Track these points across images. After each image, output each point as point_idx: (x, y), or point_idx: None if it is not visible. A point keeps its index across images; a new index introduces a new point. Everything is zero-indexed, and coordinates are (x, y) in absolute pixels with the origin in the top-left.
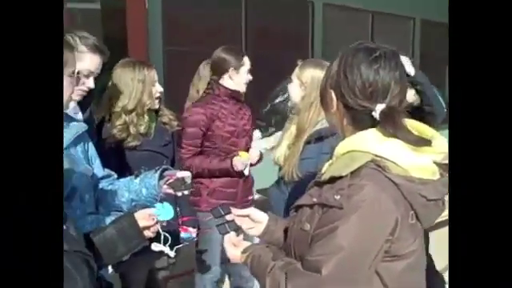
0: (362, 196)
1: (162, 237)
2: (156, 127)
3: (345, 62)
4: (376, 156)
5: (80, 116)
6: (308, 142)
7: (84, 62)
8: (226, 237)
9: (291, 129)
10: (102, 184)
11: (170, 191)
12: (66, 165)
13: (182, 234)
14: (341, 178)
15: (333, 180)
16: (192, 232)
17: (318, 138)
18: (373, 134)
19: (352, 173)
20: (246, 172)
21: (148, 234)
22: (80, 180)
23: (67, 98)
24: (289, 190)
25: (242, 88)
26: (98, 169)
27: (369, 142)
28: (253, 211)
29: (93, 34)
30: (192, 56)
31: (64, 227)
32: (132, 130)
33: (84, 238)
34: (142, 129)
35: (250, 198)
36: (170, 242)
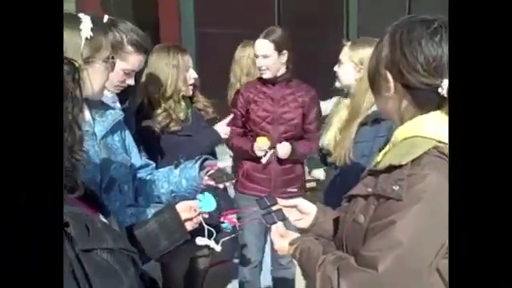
0: (423, 186)
1: (206, 230)
2: (193, 112)
3: (400, 38)
4: (440, 142)
5: (118, 105)
6: (363, 124)
7: (128, 62)
8: (273, 227)
9: (341, 112)
10: (141, 174)
11: (212, 183)
12: (103, 154)
13: (225, 225)
14: (400, 166)
15: (390, 169)
16: (236, 223)
17: (375, 119)
18: (436, 117)
19: (413, 161)
20: (264, 160)
21: (190, 226)
22: (118, 170)
23: (101, 84)
24: (340, 177)
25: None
26: (136, 158)
27: (431, 127)
28: (300, 202)
29: (126, 19)
30: (224, 38)
31: (106, 222)
32: (173, 115)
33: (127, 232)
34: (182, 115)
35: (294, 189)
36: (214, 235)
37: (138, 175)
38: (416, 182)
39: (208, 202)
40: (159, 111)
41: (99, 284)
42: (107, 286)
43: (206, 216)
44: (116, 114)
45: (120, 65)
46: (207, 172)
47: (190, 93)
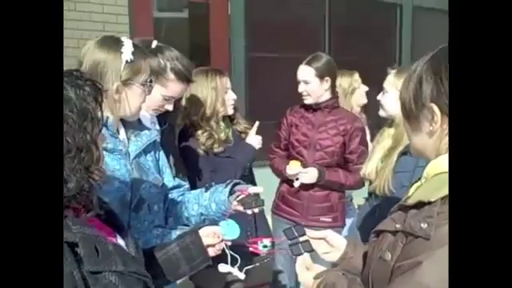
0: None
1: (229, 257)
2: (233, 135)
3: (446, 68)
4: None
5: (157, 127)
6: (404, 154)
7: (169, 89)
8: (299, 259)
9: (384, 142)
10: (173, 195)
11: (240, 208)
12: (135, 174)
13: (263, 244)
14: (430, 203)
15: (420, 205)
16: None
17: None
18: None
19: (443, 198)
20: (296, 184)
21: (213, 252)
22: (148, 190)
23: (138, 105)
24: (378, 208)
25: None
26: (169, 179)
27: None
28: (329, 234)
29: (178, 42)
30: (274, 62)
31: (121, 243)
32: (215, 136)
33: (148, 254)
34: (222, 135)
35: (328, 219)
36: (239, 262)
37: (170, 196)
38: (445, 221)
39: (231, 230)
40: (201, 132)
41: None
42: None
43: (229, 243)
44: (151, 134)
45: (160, 90)
46: (237, 197)
47: (230, 112)
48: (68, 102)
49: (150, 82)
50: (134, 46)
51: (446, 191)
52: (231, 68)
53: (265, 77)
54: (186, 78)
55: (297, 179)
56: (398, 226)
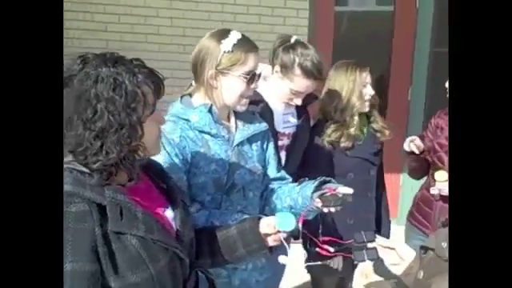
0: None
1: (288, 249)
2: (368, 132)
3: None
4: None
5: (293, 120)
6: None
7: (294, 83)
8: (361, 265)
9: None
10: (273, 185)
11: (319, 205)
12: (233, 159)
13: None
14: None
15: None
16: (329, 253)
17: None
18: None
19: None
20: (434, 191)
21: (271, 241)
22: (243, 176)
23: (233, 95)
24: None
25: None
26: (272, 170)
27: None
28: (400, 245)
29: (357, 35)
30: None
31: (170, 216)
32: (344, 129)
33: (212, 232)
34: (352, 130)
35: None
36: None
37: (270, 186)
38: None
39: (286, 222)
40: (330, 123)
41: (123, 265)
42: (131, 269)
43: (285, 235)
44: (259, 126)
45: (288, 84)
46: (322, 194)
47: (366, 109)
48: (119, 85)
49: (254, 75)
50: (241, 39)
51: None
52: (413, 63)
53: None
54: (312, 75)
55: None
56: (443, 245)
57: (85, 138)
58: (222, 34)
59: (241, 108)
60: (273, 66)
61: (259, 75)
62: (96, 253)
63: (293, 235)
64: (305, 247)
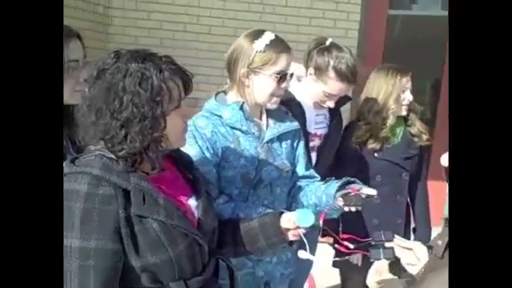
0: None
1: (307, 244)
2: (403, 136)
3: None
4: None
5: (323, 120)
6: None
7: (328, 85)
8: (376, 263)
9: None
10: (301, 183)
11: (340, 204)
12: (262, 155)
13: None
14: None
15: None
16: (347, 250)
17: None
18: None
19: None
20: None
21: (292, 236)
22: (270, 173)
23: (264, 93)
24: None
25: None
26: (301, 168)
27: None
28: (417, 247)
29: (411, 39)
30: None
31: (193, 204)
32: (374, 131)
33: (236, 223)
34: (382, 132)
35: None
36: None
37: (298, 183)
38: None
39: (304, 218)
40: (362, 125)
41: (144, 246)
42: (151, 250)
43: (303, 231)
44: (290, 125)
45: (321, 86)
46: (345, 193)
47: (403, 113)
48: (145, 80)
49: (284, 75)
50: (274, 40)
51: None
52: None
53: None
54: (346, 78)
55: None
56: (438, 243)
57: (111, 127)
58: (256, 34)
59: (271, 106)
60: (307, 67)
61: (291, 75)
62: (119, 233)
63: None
64: (331, 244)
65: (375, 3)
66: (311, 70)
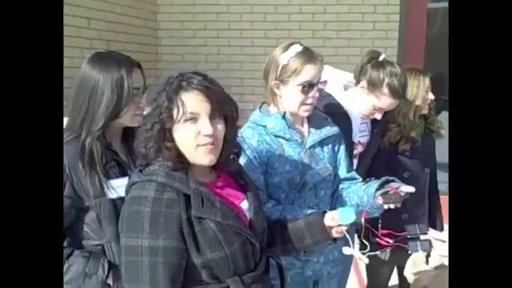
0: None
1: (350, 241)
2: (424, 133)
3: None
4: None
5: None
6: None
7: (381, 101)
8: (414, 255)
9: None
10: (344, 185)
11: (380, 202)
12: (305, 160)
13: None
14: None
15: None
16: (387, 244)
17: None
18: None
19: None
20: None
21: (335, 233)
22: (313, 176)
23: (294, 102)
24: None
25: None
26: (343, 171)
27: None
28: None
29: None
30: None
31: (245, 206)
32: (404, 132)
33: (284, 223)
34: (413, 133)
35: None
36: (368, 248)
37: (341, 186)
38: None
39: (345, 216)
40: (391, 126)
41: (203, 244)
42: (210, 248)
43: (345, 228)
44: (330, 130)
45: (373, 101)
46: (385, 192)
47: (426, 112)
48: (162, 94)
49: (311, 85)
50: (300, 52)
51: None
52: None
53: None
54: (397, 95)
55: None
56: None
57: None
58: (286, 47)
59: (304, 114)
60: (358, 79)
61: (324, 82)
62: (182, 233)
63: (356, 228)
64: (366, 239)
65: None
66: (364, 84)
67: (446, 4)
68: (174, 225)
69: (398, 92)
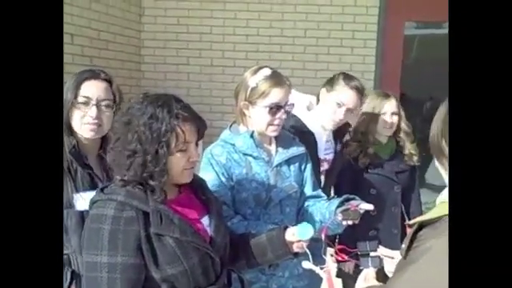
0: (423, 249)
1: (310, 255)
2: (395, 154)
3: None
4: None
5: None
6: None
7: (339, 93)
8: (364, 270)
9: None
10: (309, 202)
11: (339, 219)
12: (272, 179)
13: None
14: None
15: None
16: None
17: None
18: None
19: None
20: None
21: (296, 248)
22: (278, 194)
23: (261, 124)
24: None
25: None
26: (308, 188)
27: None
28: (398, 255)
29: (429, 59)
30: None
31: (206, 223)
32: (363, 148)
33: (247, 238)
34: (369, 150)
35: None
36: (326, 263)
37: (306, 203)
38: (423, 241)
39: (304, 231)
40: (351, 141)
41: (163, 260)
42: (169, 263)
43: (305, 244)
44: (297, 150)
45: (333, 96)
46: (345, 209)
47: (387, 134)
48: (155, 122)
49: (278, 107)
50: (269, 76)
51: (427, 216)
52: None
53: None
54: (355, 86)
55: None
56: (402, 246)
57: (120, 155)
58: (255, 70)
59: (271, 134)
60: (318, 97)
61: (291, 105)
62: (141, 250)
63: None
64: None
65: (391, 26)
66: (323, 89)
67: (422, 31)
68: (132, 242)
69: (354, 83)
